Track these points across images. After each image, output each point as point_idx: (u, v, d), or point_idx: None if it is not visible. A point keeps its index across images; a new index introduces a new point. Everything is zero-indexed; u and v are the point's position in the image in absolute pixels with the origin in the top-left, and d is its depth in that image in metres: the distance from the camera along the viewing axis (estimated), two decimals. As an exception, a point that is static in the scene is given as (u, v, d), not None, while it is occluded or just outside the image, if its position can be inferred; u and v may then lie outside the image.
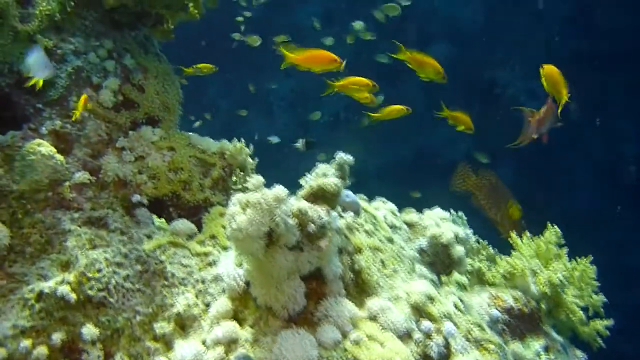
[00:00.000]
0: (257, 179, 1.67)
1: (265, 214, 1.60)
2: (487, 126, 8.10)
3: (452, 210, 2.56)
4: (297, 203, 1.69)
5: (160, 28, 2.39)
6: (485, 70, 8.10)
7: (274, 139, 6.07)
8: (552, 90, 2.33)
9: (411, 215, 2.34)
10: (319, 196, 1.78)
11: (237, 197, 1.64)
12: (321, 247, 1.70)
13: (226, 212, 1.64)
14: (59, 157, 1.94)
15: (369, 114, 2.73)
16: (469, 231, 2.41)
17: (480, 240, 2.59)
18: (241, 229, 1.58)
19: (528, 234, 2.63)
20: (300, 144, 3.71)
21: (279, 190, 1.63)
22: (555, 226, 2.62)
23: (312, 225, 1.67)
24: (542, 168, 7.86)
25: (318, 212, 1.69)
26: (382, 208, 2.31)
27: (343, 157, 1.85)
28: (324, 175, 1.81)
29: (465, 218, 2.78)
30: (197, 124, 5.64)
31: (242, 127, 6.56)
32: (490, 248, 2.65)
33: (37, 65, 1.86)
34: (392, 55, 2.37)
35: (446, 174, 7.95)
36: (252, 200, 1.60)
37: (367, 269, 1.86)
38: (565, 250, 2.55)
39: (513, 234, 2.63)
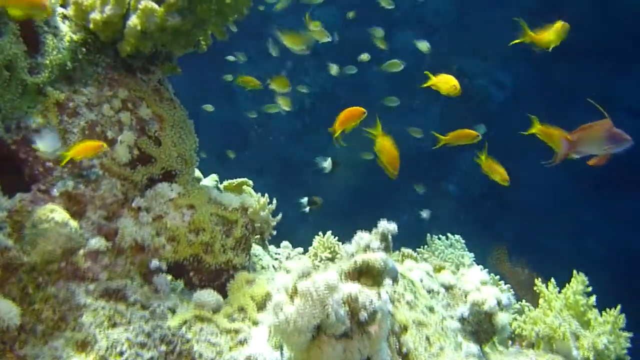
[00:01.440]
0: (304, 264, 1.53)
1: (316, 305, 1.46)
2: (455, 116, 8.07)
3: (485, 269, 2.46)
4: (347, 288, 1.56)
5: (168, 65, 2.21)
6: (453, 60, 8.03)
7: None
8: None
9: (447, 276, 2.22)
10: (364, 272, 1.65)
11: (282, 283, 1.50)
12: (371, 334, 1.57)
13: (271, 300, 1.50)
14: (74, 223, 1.76)
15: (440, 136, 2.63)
16: (510, 294, 2.31)
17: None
18: (289, 321, 1.45)
19: (553, 281, 2.56)
20: (327, 163, 3.54)
21: (330, 277, 1.50)
22: (582, 274, 2.54)
23: (364, 312, 1.54)
24: (505, 158, 7.78)
25: (369, 296, 1.56)
26: (416, 268, 2.19)
27: (387, 226, 1.73)
28: (367, 247, 1.69)
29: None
30: None
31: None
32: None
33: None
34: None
35: (420, 162, 7.91)
36: (302, 290, 1.46)
37: (414, 351, 1.74)
38: (593, 298, 2.49)
39: (538, 282, 2.56)
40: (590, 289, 2.53)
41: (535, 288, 2.57)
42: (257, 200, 2.13)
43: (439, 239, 2.97)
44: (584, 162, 7.49)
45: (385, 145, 2.13)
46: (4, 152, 1.80)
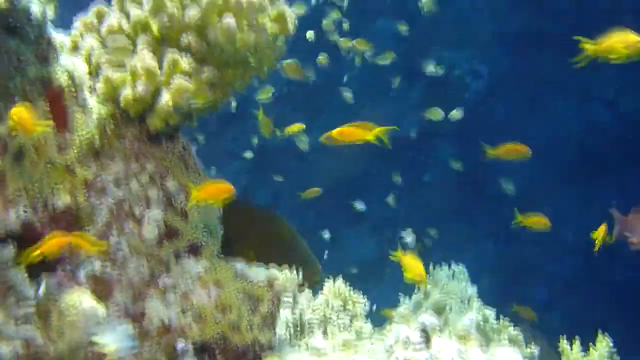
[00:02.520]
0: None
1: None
2: (432, 104, 8.08)
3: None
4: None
5: (189, 122, 2.15)
6: (430, 48, 8.00)
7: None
8: None
9: (478, 354, 2.21)
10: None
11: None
12: None
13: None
14: (102, 310, 1.72)
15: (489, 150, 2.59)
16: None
17: None
18: None
19: (578, 343, 2.55)
20: (410, 238, 3.50)
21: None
22: (607, 336, 2.54)
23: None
24: (478, 146, 7.84)
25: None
26: (445, 348, 2.18)
27: (428, 320, 1.72)
28: (407, 340, 1.68)
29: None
30: None
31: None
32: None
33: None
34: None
35: (396, 148, 7.91)
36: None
37: None
38: None
39: (563, 342, 2.54)
40: (614, 350, 2.52)
41: (559, 349, 2.55)
42: (283, 274, 2.10)
43: (441, 268, 2.94)
44: (559, 151, 7.52)
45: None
46: (30, 232, 1.74)
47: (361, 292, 2.39)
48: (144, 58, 1.84)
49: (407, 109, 8.01)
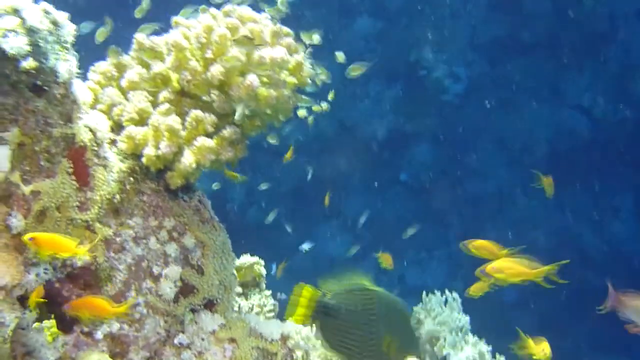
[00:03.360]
0: None
1: None
2: (409, 106, 8.13)
3: None
4: None
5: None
6: (410, 50, 8.04)
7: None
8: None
9: None
10: None
11: None
12: None
13: None
14: (120, 375, 1.72)
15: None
16: None
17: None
18: None
19: None
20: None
21: None
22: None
23: None
24: (457, 148, 7.96)
25: None
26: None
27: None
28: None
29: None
30: None
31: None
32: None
33: None
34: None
35: (375, 151, 7.96)
36: None
37: None
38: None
39: None
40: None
41: None
42: (297, 332, 2.10)
43: (434, 294, 2.95)
44: (531, 156, 7.63)
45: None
46: (48, 291, 1.72)
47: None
48: (167, 116, 1.83)
49: (385, 109, 8.05)
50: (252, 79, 1.85)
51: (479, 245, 2.47)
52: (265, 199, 7.70)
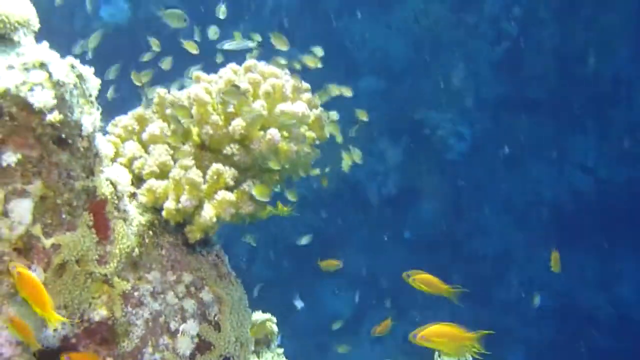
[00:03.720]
0: None
1: None
2: (415, 164, 8.15)
3: None
4: None
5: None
6: (415, 108, 8.09)
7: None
8: None
9: None
10: None
11: None
12: None
13: None
14: None
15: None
16: None
17: None
18: None
19: None
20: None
21: None
22: None
23: None
24: (461, 208, 7.95)
25: None
26: None
27: None
28: None
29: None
30: None
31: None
32: None
33: None
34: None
35: (378, 208, 7.95)
36: None
37: None
38: None
39: None
40: None
41: None
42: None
43: None
44: (537, 214, 7.61)
45: None
46: (65, 346, 1.70)
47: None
48: (188, 170, 1.83)
49: (390, 166, 8.06)
50: (273, 132, 1.86)
51: (422, 279, 2.45)
52: (265, 254, 7.69)
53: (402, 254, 8.12)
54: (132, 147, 1.93)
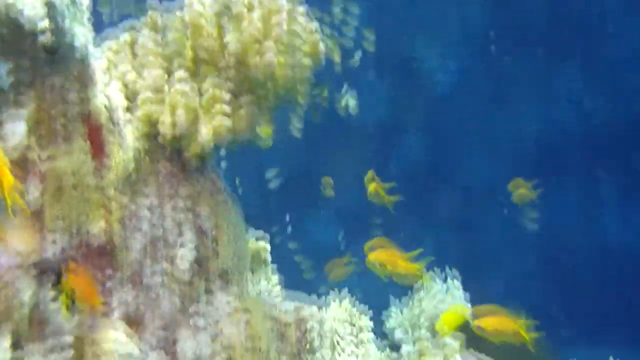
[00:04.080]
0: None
1: None
2: (401, 97, 8.13)
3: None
4: None
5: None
6: (401, 42, 8.02)
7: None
8: None
9: None
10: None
11: None
12: None
13: None
14: (136, 349, 1.71)
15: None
16: None
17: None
18: None
19: None
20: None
21: None
22: None
23: None
24: (446, 142, 7.97)
25: None
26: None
27: None
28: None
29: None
30: None
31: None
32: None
33: None
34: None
35: (361, 139, 7.94)
36: None
37: None
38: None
39: None
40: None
41: None
42: (309, 312, 2.09)
43: (436, 281, 2.88)
44: (523, 148, 7.64)
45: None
46: (62, 265, 1.71)
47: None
48: (184, 92, 1.82)
49: (376, 99, 8.04)
50: (268, 56, 1.84)
51: (380, 256, 2.43)
52: (251, 188, 7.70)
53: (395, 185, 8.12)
54: (123, 69, 1.90)
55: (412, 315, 2.70)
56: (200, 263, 1.94)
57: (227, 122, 1.83)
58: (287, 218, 7.57)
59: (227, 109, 1.83)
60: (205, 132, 1.82)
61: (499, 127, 8.28)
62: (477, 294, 3.11)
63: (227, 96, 1.84)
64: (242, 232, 2.06)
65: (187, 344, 1.84)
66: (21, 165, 1.59)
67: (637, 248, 7.88)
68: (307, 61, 1.98)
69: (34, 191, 1.61)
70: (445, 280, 2.82)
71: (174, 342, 1.85)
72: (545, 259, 8.01)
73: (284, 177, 7.67)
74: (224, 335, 1.91)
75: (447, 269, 2.85)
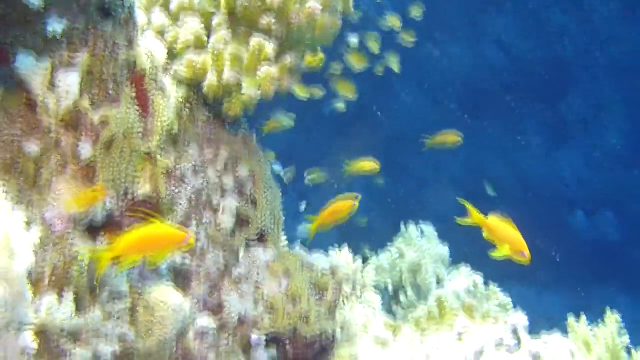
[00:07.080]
0: None
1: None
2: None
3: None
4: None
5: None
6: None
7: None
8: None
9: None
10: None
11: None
12: None
13: None
14: (187, 305, 1.68)
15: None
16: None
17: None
18: None
19: (585, 319, 2.44)
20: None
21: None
22: (616, 313, 2.44)
23: None
24: (377, 86, 7.96)
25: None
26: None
27: (518, 320, 1.75)
28: (500, 344, 1.73)
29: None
30: None
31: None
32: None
33: None
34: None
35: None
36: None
37: None
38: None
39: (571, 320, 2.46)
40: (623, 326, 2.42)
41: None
42: (346, 262, 2.08)
43: (409, 226, 2.88)
44: (449, 90, 7.73)
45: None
46: (110, 222, 1.64)
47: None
48: (226, 42, 1.74)
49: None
50: (313, 4, 1.78)
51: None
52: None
53: (324, 130, 8.09)
54: (160, 18, 1.81)
55: (392, 260, 2.72)
56: (241, 225, 1.91)
57: (274, 71, 1.77)
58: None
59: (272, 58, 1.77)
60: (251, 87, 1.75)
61: (426, 69, 8.34)
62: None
63: (270, 47, 1.77)
64: (277, 193, 2.04)
65: (233, 307, 1.81)
66: (74, 118, 1.51)
67: (558, 185, 8.14)
68: (340, 6, 1.93)
69: (86, 149, 1.53)
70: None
71: (220, 305, 1.82)
72: (470, 193, 8.17)
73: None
74: (266, 299, 1.89)
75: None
